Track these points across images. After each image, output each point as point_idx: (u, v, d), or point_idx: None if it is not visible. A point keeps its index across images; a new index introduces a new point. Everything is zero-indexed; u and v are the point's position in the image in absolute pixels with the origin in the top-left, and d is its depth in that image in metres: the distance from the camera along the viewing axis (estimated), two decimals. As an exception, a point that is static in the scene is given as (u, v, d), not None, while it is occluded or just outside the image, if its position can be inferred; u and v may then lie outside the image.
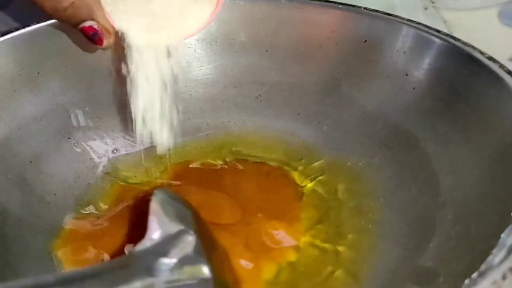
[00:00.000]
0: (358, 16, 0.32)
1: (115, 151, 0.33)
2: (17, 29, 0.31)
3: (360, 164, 0.30)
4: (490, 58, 0.25)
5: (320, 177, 0.31)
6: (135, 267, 0.19)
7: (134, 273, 0.19)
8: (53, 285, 0.18)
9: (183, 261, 0.20)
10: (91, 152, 0.32)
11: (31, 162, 0.29)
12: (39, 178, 0.29)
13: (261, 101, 0.35)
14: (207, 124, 0.35)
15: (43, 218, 0.28)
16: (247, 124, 0.34)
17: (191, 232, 0.21)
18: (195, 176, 0.32)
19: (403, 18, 0.30)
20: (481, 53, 0.26)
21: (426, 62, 0.29)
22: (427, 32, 0.29)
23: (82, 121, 0.32)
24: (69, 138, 0.32)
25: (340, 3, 0.33)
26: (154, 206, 0.22)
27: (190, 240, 0.21)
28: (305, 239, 0.27)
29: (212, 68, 0.35)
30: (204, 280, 0.20)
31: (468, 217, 0.22)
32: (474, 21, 0.32)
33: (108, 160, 0.32)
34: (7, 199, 0.27)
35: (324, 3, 0.34)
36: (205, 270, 0.20)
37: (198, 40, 0.35)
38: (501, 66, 0.25)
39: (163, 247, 0.20)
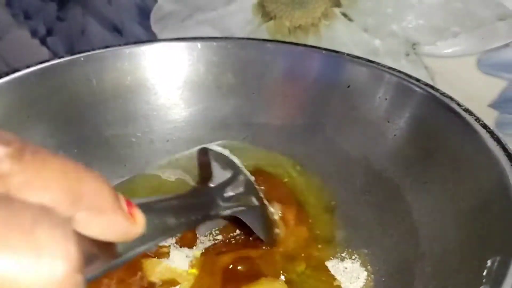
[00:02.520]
0: (342, 62, 0.33)
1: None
2: (7, 74, 0.32)
3: (343, 208, 0.31)
4: (467, 110, 0.26)
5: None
6: (207, 197, 0.26)
7: (206, 201, 0.26)
8: (164, 200, 0.21)
9: (239, 194, 0.28)
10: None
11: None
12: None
13: (248, 142, 0.35)
14: (194, 166, 0.35)
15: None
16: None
17: (242, 174, 0.29)
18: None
19: (384, 66, 0.31)
20: (458, 104, 0.27)
21: (407, 110, 0.29)
22: (408, 81, 0.30)
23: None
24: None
25: (324, 49, 0.34)
26: (214, 155, 0.30)
27: (241, 179, 0.29)
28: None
29: (199, 110, 0.36)
30: (253, 207, 0.28)
31: (445, 272, 0.22)
32: (454, 68, 0.33)
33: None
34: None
35: (308, 48, 0.35)
36: (254, 200, 0.29)
37: (186, 82, 0.36)
38: (477, 119, 0.25)
39: (225, 185, 0.28)
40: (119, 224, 0.15)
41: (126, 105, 0.35)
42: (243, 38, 0.37)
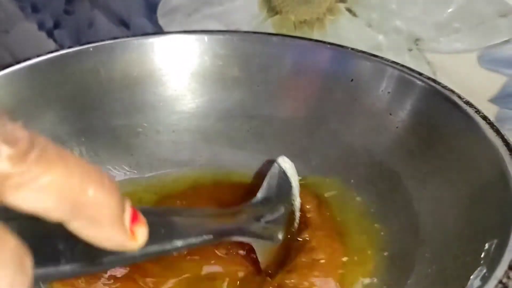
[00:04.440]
0: (346, 56, 0.34)
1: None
2: (18, 63, 0.32)
3: (345, 198, 0.31)
4: (467, 103, 0.27)
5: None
6: (242, 218, 0.25)
7: (240, 222, 0.24)
8: (174, 214, 0.21)
9: (269, 223, 0.26)
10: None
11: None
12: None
13: (251, 134, 0.36)
14: (200, 156, 0.36)
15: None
16: (237, 156, 0.36)
17: (286, 205, 0.27)
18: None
19: (388, 60, 0.32)
20: (459, 97, 0.27)
21: (409, 103, 0.30)
22: (410, 74, 0.30)
23: (78, 152, 0.33)
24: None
25: (329, 43, 0.35)
26: (273, 172, 0.28)
27: (281, 210, 0.26)
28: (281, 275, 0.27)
29: (205, 101, 0.36)
30: (274, 241, 0.26)
31: (444, 257, 0.23)
32: (456, 64, 0.33)
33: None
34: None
35: (313, 42, 0.35)
36: (279, 236, 0.26)
37: (192, 74, 0.36)
38: (477, 111, 0.26)
39: (262, 208, 0.26)
40: (115, 238, 0.14)
41: (133, 95, 0.35)
42: (249, 32, 0.38)
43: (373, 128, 0.31)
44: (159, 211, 0.21)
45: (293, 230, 0.27)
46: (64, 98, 0.34)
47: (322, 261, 0.27)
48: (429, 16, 0.33)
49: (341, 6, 0.35)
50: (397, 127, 0.30)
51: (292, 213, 0.28)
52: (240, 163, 0.35)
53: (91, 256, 0.16)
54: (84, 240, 0.14)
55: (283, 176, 0.28)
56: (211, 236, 0.22)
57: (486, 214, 0.23)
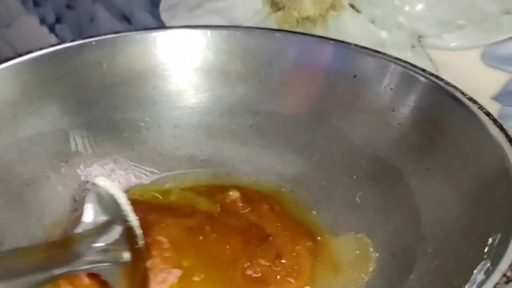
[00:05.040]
0: (349, 52, 0.34)
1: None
2: (20, 55, 0.32)
3: (347, 194, 0.31)
4: (471, 99, 0.27)
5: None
6: (69, 249, 0.23)
7: (68, 254, 0.23)
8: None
9: (108, 245, 0.24)
10: (88, 176, 0.33)
11: (29, 185, 0.30)
12: (36, 201, 0.30)
13: (254, 130, 0.36)
14: (202, 151, 0.36)
15: (39, 240, 0.28)
16: (240, 151, 0.36)
17: (119, 222, 0.26)
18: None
19: (391, 56, 0.32)
20: (463, 93, 0.27)
21: (412, 99, 0.30)
22: (413, 70, 0.30)
23: (80, 145, 0.33)
24: (67, 162, 0.33)
25: (332, 39, 0.35)
26: (91, 196, 0.26)
27: (117, 229, 0.25)
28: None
29: (208, 97, 0.36)
30: (122, 262, 0.24)
31: (446, 252, 0.23)
32: (459, 61, 0.33)
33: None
34: (4, 221, 0.28)
35: (316, 38, 0.35)
36: (126, 255, 0.25)
37: (195, 69, 0.36)
38: (480, 107, 0.26)
39: (93, 233, 0.24)
40: None
41: (135, 90, 0.35)
42: (252, 27, 0.38)
43: (376, 124, 0.31)
44: None
45: (139, 247, 0.26)
46: (66, 92, 0.34)
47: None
48: (432, 13, 0.33)
49: (344, 2, 0.35)
50: (399, 123, 0.30)
51: (131, 229, 0.26)
52: (242, 159, 0.35)
53: None
54: None
55: (106, 196, 0.27)
56: (42, 276, 0.21)
57: (489, 210, 0.23)
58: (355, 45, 0.33)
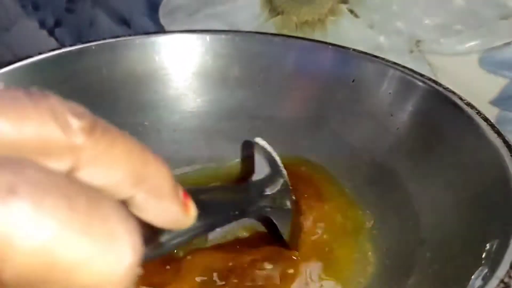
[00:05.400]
0: (347, 57, 0.34)
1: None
2: (19, 60, 0.32)
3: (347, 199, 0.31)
4: (469, 104, 0.27)
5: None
6: (246, 193, 0.27)
7: (246, 198, 0.26)
8: (201, 193, 0.22)
9: (275, 193, 0.28)
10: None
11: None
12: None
13: (252, 134, 0.36)
14: (201, 155, 0.36)
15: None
16: (238, 156, 0.36)
17: (282, 175, 0.29)
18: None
19: (389, 61, 0.32)
20: (461, 98, 0.28)
21: (410, 104, 0.30)
22: (411, 75, 0.31)
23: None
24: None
25: (331, 44, 0.35)
26: (258, 149, 0.31)
27: (280, 181, 0.29)
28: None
29: (206, 101, 0.36)
30: (286, 210, 0.28)
31: (445, 257, 0.23)
32: (457, 65, 0.33)
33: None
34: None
35: (315, 43, 0.35)
36: (288, 203, 0.28)
37: (194, 73, 0.36)
38: (478, 112, 0.26)
39: (264, 182, 0.28)
40: (174, 212, 0.15)
41: (134, 94, 0.35)
42: (250, 32, 0.38)
43: (374, 129, 0.32)
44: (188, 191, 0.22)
45: (293, 198, 0.29)
46: (66, 96, 0.33)
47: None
48: (431, 18, 0.33)
49: (343, 7, 0.36)
50: (398, 128, 0.30)
51: (287, 182, 0.30)
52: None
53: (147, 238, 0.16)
54: (141, 221, 0.14)
55: (266, 152, 0.31)
56: (236, 212, 0.24)
57: (487, 215, 0.23)
58: (354, 50, 0.34)
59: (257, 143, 0.31)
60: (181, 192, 0.15)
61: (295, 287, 0.27)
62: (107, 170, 0.12)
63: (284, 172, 0.30)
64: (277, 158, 0.31)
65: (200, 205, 0.19)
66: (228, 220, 0.25)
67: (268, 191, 0.28)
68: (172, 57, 0.36)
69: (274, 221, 0.27)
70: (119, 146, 0.13)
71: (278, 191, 0.28)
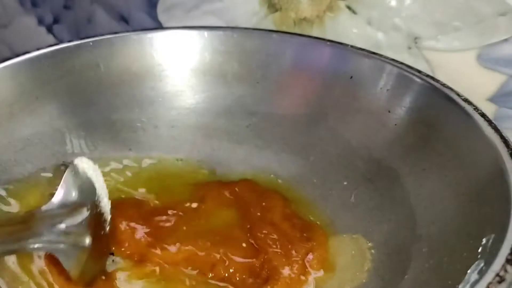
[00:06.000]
0: (345, 53, 0.34)
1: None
2: (17, 55, 0.32)
3: (343, 195, 0.31)
4: (466, 100, 0.27)
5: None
6: (29, 225, 0.23)
7: (26, 230, 0.23)
8: None
9: (71, 228, 0.24)
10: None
11: (25, 185, 0.30)
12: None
13: (251, 130, 0.36)
14: (198, 151, 0.36)
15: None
16: (236, 152, 0.36)
17: (89, 206, 0.25)
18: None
19: (387, 57, 0.32)
20: (458, 94, 0.28)
21: (408, 100, 0.30)
22: (409, 72, 0.31)
23: (77, 145, 0.33)
24: (63, 162, 0.33)
25: (329, 40, 0.35)
26: (67, 176, 0.26)
27: (83, 213, 0.25)
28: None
29: (204, 97, 0.36)
30: (82, 248, 0.24)
31: (441, 251, 0.23)
32: (455, 62, 0.33)
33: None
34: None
35: (313, 39, 0.35)
36: (86, 240, 0.24)
37: (192, 70, 0.36)
38: (476, 109, 0.26)
39: (58, 213, 0.24)
40: None
41: (132, 90, 0.36)
42: (249, 28, 0.38)
43: (372, 125, 0.32)
44: None
45: (104, 233, 0.26)
46: (63, 92, 0.34)
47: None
48: (429, 15, 0.33)
49: (341, 3, 0.36)
50: (395, 124, 0.30)
51: (100, 215, 0.26)
52: (239, 159, 0.35)
53: None
54: None
55: (83, 178, 0.27)
56: (12, 247, 0.21)
57: (484, 210, 0.23)
58: (352, 46, 0.34)
59: (74, 166, 0.27)
60: None
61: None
62: None
63: (104, 203, 0.26)
64: (99, 184, 0.27)
65: None
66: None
67: (64, 224, 0.24)
68: (170, 53, 0.36)
69: (58, 257, 0.24)
70: None
71: (76, 224, 0.24)
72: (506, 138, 0.24)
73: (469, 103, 0.27)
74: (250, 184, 0.33)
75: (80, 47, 0.34)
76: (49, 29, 0.55)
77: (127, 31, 0.36)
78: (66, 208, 0.25)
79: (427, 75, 0.30)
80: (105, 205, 0.27)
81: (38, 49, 0.33)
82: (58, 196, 0.25)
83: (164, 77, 0.36)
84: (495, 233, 0.20)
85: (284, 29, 0.39)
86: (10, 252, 0.23)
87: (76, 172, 0.26)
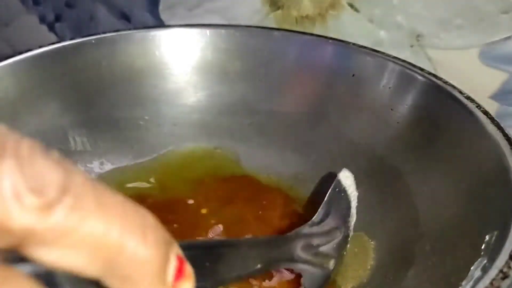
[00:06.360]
0: (347, 51, 0.34)
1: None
2: (20, 53, 0.32)
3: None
4: (468, 98, 0.27)
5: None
6: (297, 242, 0.23)
7: (293, 247, 0.23)
8: (219, 246, 0.19)
9: (323, 249, 0.24)
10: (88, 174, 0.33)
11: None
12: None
13: (253, 128, 0.36)
14: (200, 149, 0.36)
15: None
16: (238, 150, 0.36)
17: (342, 229, 0.25)
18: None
19: (389, 55, 0.32)
20: (460, 92, 0.28)
21: (410, 98, 0.30)
22: (411, 69, 0.31)
23: (80, 143, 0.34)
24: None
25: (331, 38, 0.35)
26: (331, 192, 0.26)
27: (336, 236, 0.25)
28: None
29: (206, 95, 0.36)
30: (326, 270, 0.24)
31: (444, 249, 0.23)
32: (457, 60, 0.33)
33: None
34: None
35: (315, 37, 0.35)
36: (331, 263, 0.24)
37: (194, 68, 0.36)
38: (478, 106, 0.26)
39: (317, 233, 0.24)
40: None
41: (134, 88, 0.36)
42: (251, 26, 0.38)
43: (374, 123, 0.32)
44: (204, 244, 0.20)
45: (344, 254, 0.26)
46: (65, 90, 0.34)
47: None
48: (431, 12, 0.33)
49: (343, 1, 0.36)
50: (398, 122, 0.30)
51: (347, 236, 0.26)
52: (241, 157, 0.35)
53: None
54: None
55: (343, 196, 0.26)
56: (258, 266, 0.21)
57: (486, 208, 0.23)
58: (354, 44, 0.34)
59: (339, 180, 0.26)
60: (171, 274, 0.12)
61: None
62: (64, 255, 0.10)
63: (353, 222, 0.26)
64: (354, 204, 0.26)
65: (211, 259, 0.17)
66: (244, 275, 0.22)
67: (318, 245, 0.24)
68: (172, 51, 0.36)
69: (303, 276, 0.24)
70: (90, 226, 0.10)
71: (327, 248, 0.24)
72: (509, 135, 0.24)
73: (472, 100, 0.27)
74: (251, 181, 0.33)
75: (82, 45, 0.34)
76: (51, 27, 0.55)
77: (130, 29, 0.36)
78: (323, 227, 0.25)
79: (430, 73, 0.30)
80: (352, 226, 0.26)
81: (40, 47, 0.33)
82: (319, 215, 0.25)
83: (166, 75, 0.36)
84: (498, 230, 0.20)
85: (286, 27, 0.39)
86: (267, 268, 0.23)
87: (339, 190, 0.26)
